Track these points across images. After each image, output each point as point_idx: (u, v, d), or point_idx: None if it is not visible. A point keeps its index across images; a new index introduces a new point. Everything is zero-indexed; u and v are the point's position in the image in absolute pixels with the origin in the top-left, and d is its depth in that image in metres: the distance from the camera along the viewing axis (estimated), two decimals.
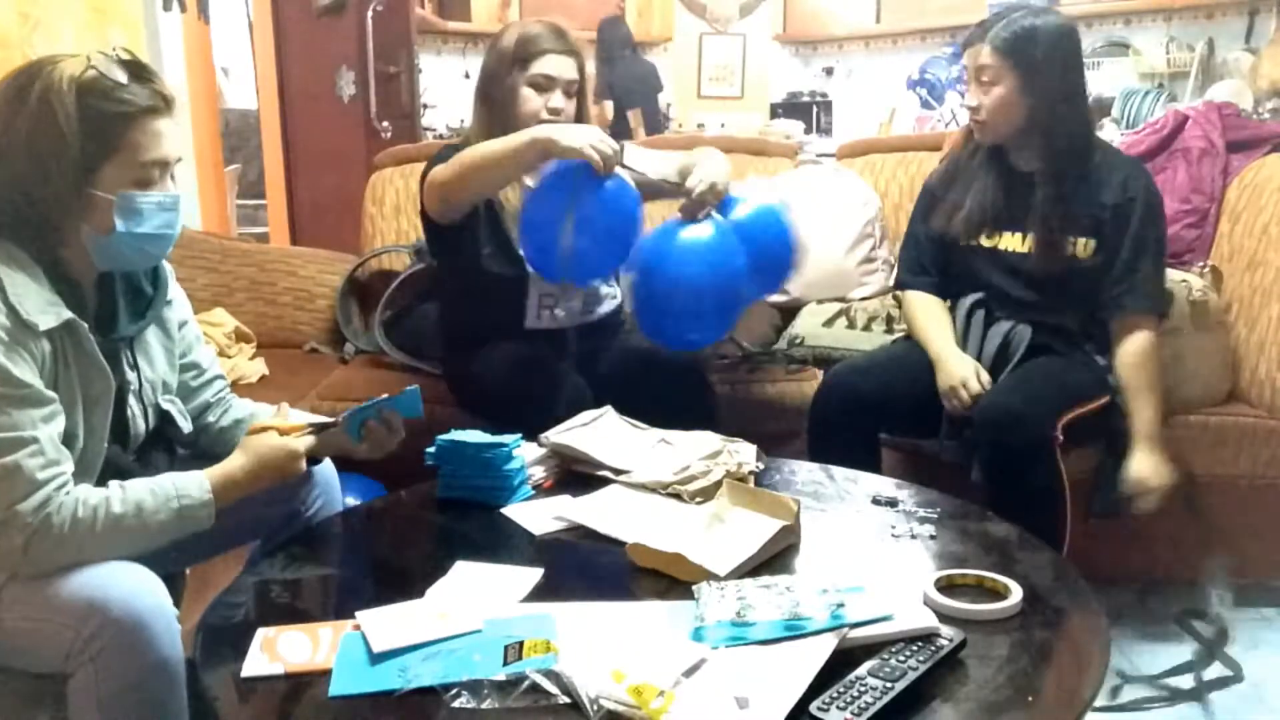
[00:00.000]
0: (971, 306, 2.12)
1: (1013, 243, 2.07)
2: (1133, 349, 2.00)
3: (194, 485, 1.34)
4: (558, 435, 1.70)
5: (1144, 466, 1.96)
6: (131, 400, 1.44)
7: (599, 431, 1.76)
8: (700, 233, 1.87)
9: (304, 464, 1.45)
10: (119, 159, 1.30)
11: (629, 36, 5.95)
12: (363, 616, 1.19)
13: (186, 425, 1.53)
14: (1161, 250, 2.05)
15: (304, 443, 1.44)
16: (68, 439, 1.30)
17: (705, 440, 1.69)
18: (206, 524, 1.35)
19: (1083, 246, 2.02)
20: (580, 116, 2.18)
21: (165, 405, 1.50)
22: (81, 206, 1.30)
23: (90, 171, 1.29)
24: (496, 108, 2.13)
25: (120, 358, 1.42)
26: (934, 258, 2.19)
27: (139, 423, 1.45)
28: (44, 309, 1.27)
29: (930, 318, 2.15)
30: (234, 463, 1.39)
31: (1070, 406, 1.94)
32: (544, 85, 2.10)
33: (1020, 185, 2.06)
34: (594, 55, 6.01)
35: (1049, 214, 2.00)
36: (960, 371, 2.01)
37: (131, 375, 1.44)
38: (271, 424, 1.45)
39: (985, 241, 2.10)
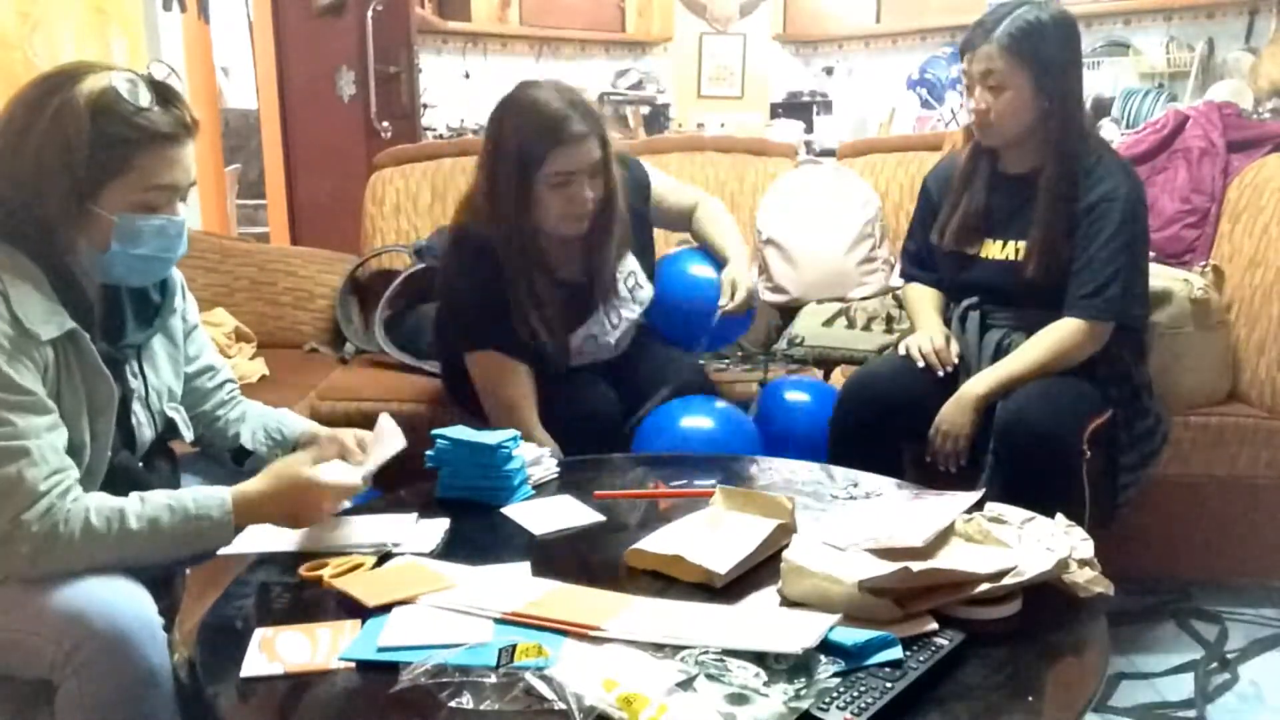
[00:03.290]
0: (965, 310, 2.09)
1: (998, 250, 2.03)
2: (1058, 333, 1.91)
3: (215, 505, 1.31)
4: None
5: (949, 412, 1.94)
6: (137, 407, 1.43)
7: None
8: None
9: (327, 512, 1.40)
10: (125, 181, 1.29)
11: None
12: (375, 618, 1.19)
13: (189, 434, 1.53)
14: (1135, 257, 1.94)
15: (339, 490, 1.40)
16: (74, 448, 1.29)
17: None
18: (225, 543, 1.33)
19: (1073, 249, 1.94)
20: (608, 194, 1.93)
21: (170, 413, 1.49)
22: (80, 221, 1.29)
23: (93, 189, 1.28)
24: (509, 216, 1.87)
25: (126, 365, 1.41)
26: (931, 254, 2.18)
27: (144, 430, 1.45)
28: (47, 319, 1.27)
29: (923, 302, 2.18)
30: (256, 486, 1.36)
31: (1092, 415, 1.87)
32: (565, 181, 1.85)
33: (1006, 190, 2.03)
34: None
35: (1051, 217, 1.94)
36: (921, 338, 2.05)
37: (137, 383, 1.44)
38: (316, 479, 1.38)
39: (971, 250, 2.06)
